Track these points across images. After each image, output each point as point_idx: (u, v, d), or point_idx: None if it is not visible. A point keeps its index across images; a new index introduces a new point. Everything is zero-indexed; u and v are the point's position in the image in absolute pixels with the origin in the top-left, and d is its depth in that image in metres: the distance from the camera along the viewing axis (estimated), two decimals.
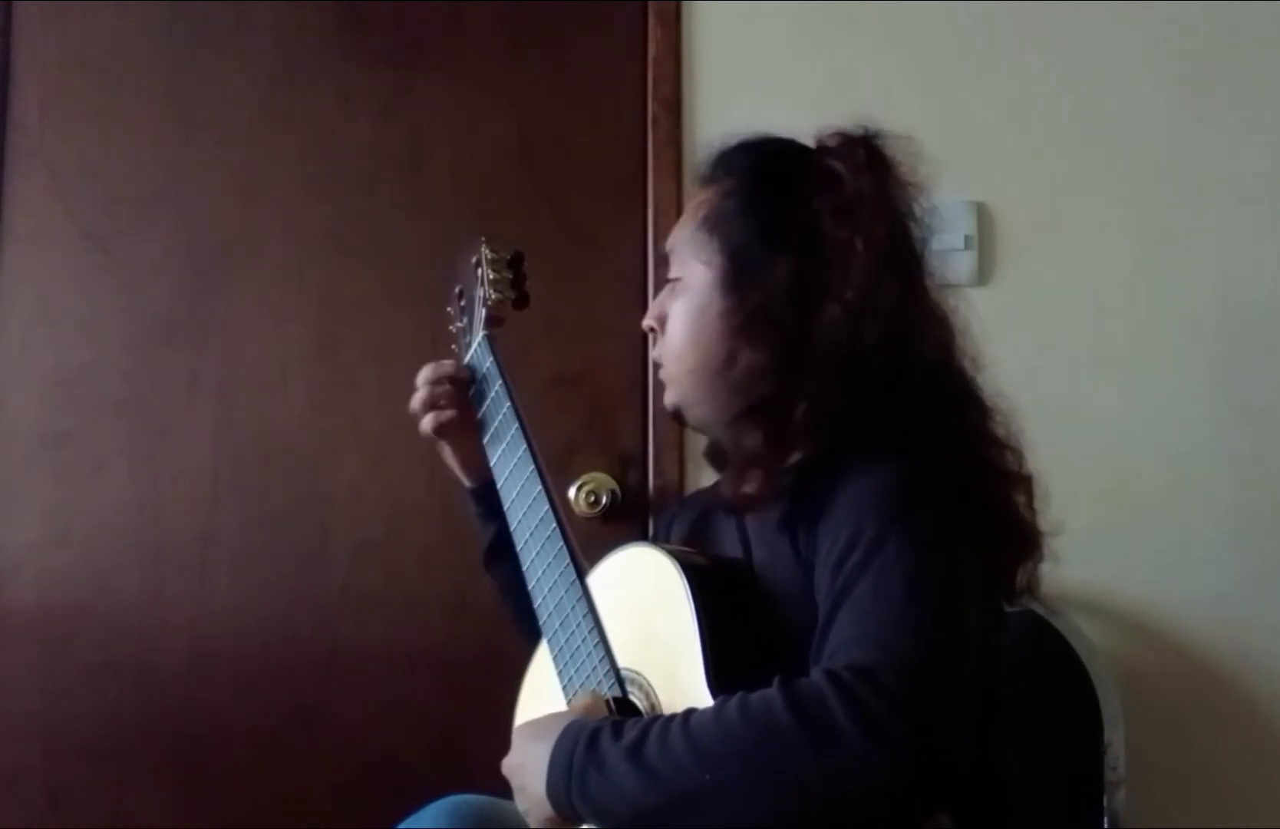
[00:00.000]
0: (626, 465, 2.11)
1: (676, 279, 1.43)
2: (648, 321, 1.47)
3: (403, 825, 1.41)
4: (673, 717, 1.17)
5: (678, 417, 1.45)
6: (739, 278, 1.35)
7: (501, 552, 1.55)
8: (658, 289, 2.06)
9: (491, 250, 1.58)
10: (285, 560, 2.11)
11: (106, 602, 2.10)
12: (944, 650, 1.14)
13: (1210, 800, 1.98)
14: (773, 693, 1.12)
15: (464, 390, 1.56)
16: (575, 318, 2.11)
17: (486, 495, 1.56)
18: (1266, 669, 2.01)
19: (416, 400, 1.58)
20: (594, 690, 1.32)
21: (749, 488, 1.33)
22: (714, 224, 1.39)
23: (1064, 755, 1.85)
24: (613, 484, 2.10)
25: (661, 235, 2.09)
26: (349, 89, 2.19)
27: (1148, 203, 2.10)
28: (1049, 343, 2.08)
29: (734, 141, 1.45)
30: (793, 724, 1.09)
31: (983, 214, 2.10)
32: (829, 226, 1.33)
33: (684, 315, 1.40)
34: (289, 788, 2.06)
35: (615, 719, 1.22)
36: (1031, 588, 1.39)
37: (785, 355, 1.31)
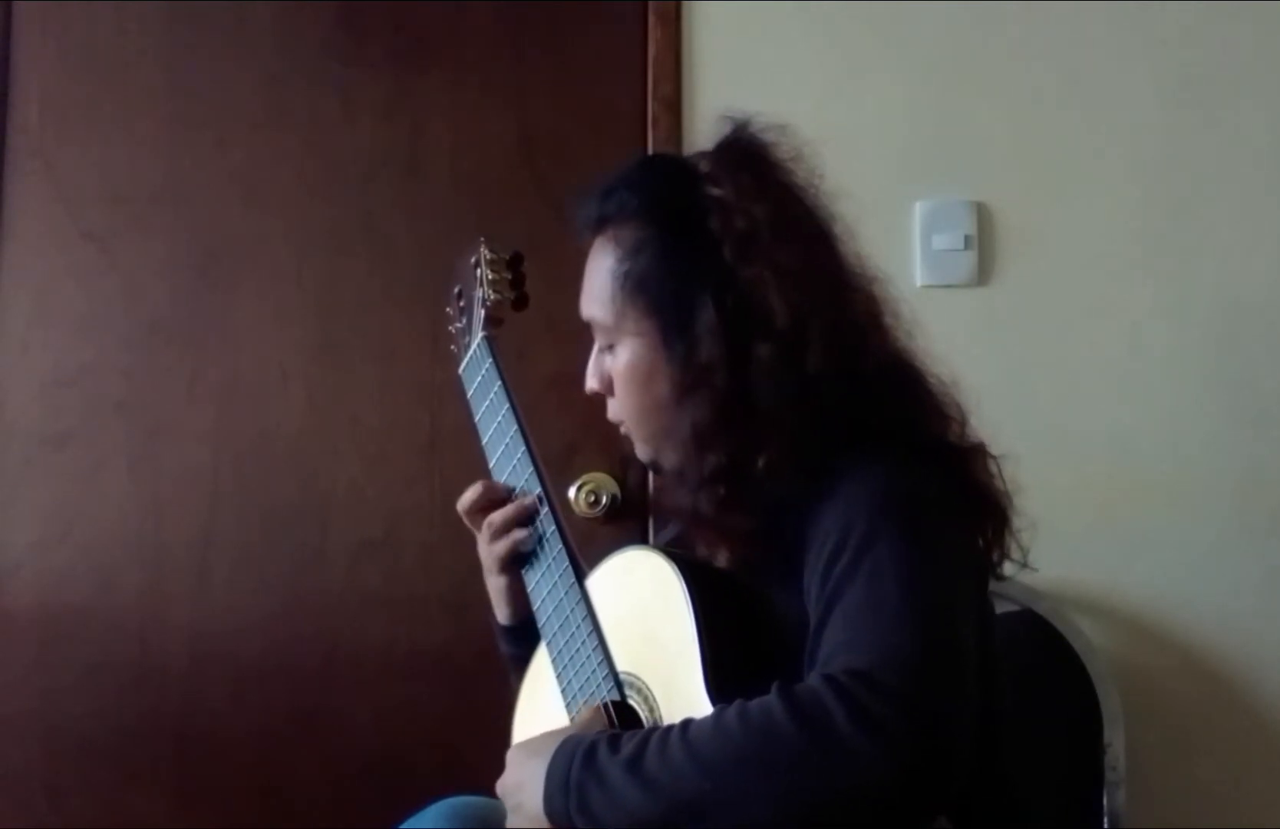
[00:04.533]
0: (626, 466, 2.11)
1: (608, 345, 1.39)
2: (592, 386, 1.42)
3: (403, 826, 1.40)
4: (670, 727, 1.15)
5: (655, 468, 1.42)
6: (675, 338, 1.31)
7: None
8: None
9: (491, 251, 1.56)
10: (285, 560, 2.11)
11: (106, 602, 2.10)
12: (941, 646, 1.13)
13: (1210, 800, 1.98)
14: (772, 699, 1.11)
15: (531, 522, 1.44)
16: (575, 318, 2.09)
17: (522, 635, 1.48)
18: (1266, 669, 2.01)
19: (502, 545, 1.45)
20: (593, 706, 1.30)
21: (720, 560, 1.32)
22: (632, 288, 1.34)
23: (1064, 755, 1.85)
24: (613, 484, 2.10)
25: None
26: (349, 89, 2.19)
27: (1147, 202, 2.10)
28: (1049, 343, 2.08)
29: (613, 180, 1.39)
30: (793, 729, 1.08)
31: (983, 214, 2.10)
32: (735, 264, 1.29)
33: (631, 388, 1.36)
34: (289, 788, 2.06)
35: (612, 732, 1.21)
36: (1009, 556, 1.35)
37: (729, 411, 1.27)
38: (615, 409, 1.41)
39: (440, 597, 2.09)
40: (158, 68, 2.20)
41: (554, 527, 1.40)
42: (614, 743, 1.17)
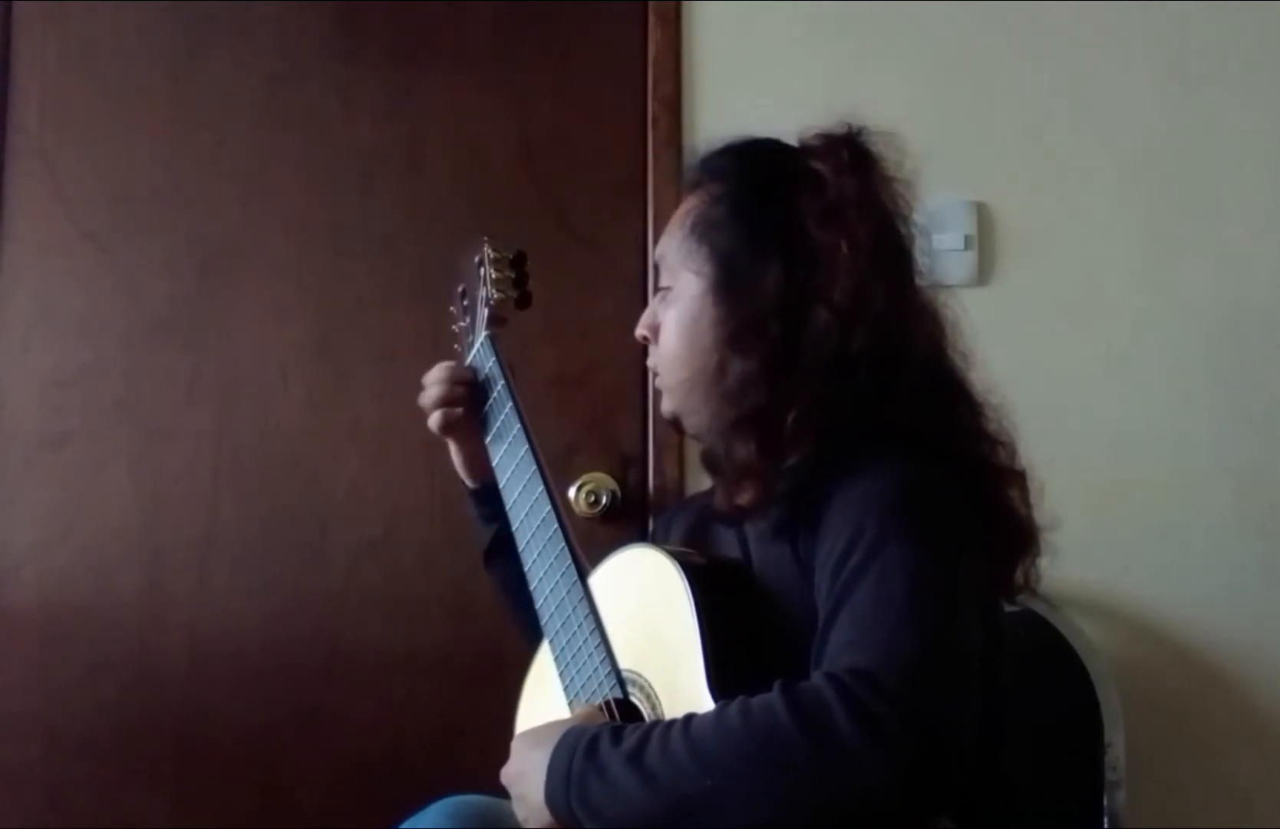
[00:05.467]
0: (626, 465, 2.11)
1: (667, 288, 1.43)
2: (641, 330, 1.47)
3: (403, 826, 1.40)
4: (673, 722, 1.16)
5: (676, 425, 1.45)
6: (729, 286, 1.35)
7: (501, 550, 1.55)
8: (657, 288, 2.08)
9: (494, 249, 1.58)
10: (285, 560, 2.11)
11: (106, 602, 2.10)
12: (945, 651, 1.14)
13: (1210, 800, 1.98)
14: (774, 696, 1.11)
15: (474, 391, 1.56)
16: (575, 318, 2.11)
17: (488, 495, 1.56)
18: (1266, 669, 2.01)
19: (429, 397, 1.57)
20: (595, 705, 1.31)
21: (743, 499, 1.34)
22: (702, 232, 1.39)
23: (1064, 755, 1.85)
24: (613, 484, 2.10)
25: (662, 235, 2.09)
26: (349, 89, 2.19)
27: (1147, 202, 2.10)
28: (1049, 343, 2.08)
29: (719, 145, 1.44)
30: (794, 727, 1.09)
31: (983, 214, 2.10)
32: (814, 230, 1.32)
33: (677, 325, 1.40)
34: (289, 788, 2.06)
35: (614, 724, 1.22)
36: (1030, 583, 1.38)
37: (774, 363, 1.30)
38: (654, 355, 1.45)
39: (440, 597, 2.09)
40: (158, 68, 2.20)
41: (557, 526, 1.41)
42: (616, 735, 1.18)
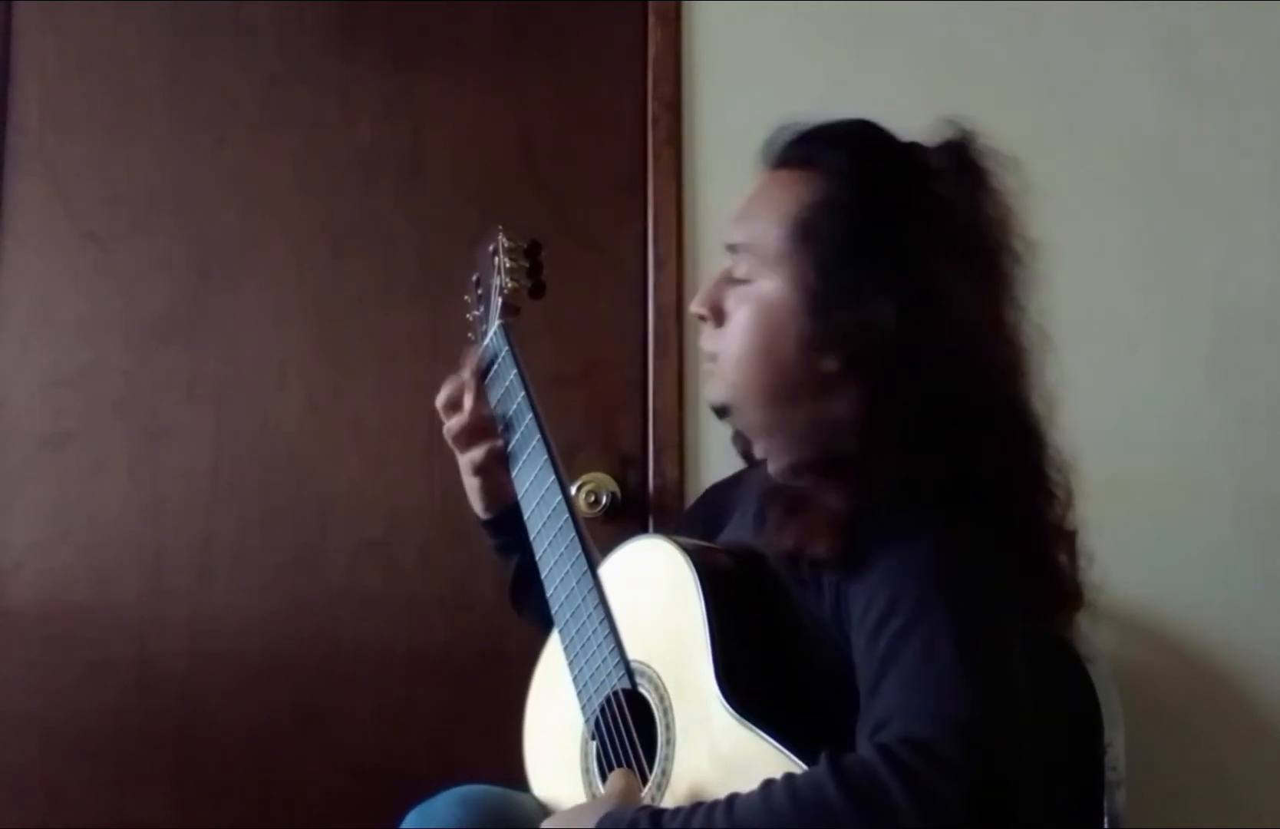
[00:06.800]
0: (626, 465, 2.11)
1: (744, 279, 1.32)
2: (699, 309, 1.35)
3: (412, 814, 1.39)
4: (715, 804, 1.11)
5: (723, 412, 1.36)
6: (826, 309, 1.24)
7: (527, 585, 1.51)
8: (657, 288, 2.08)
9: (509, 239, 1.59)
10: (285, 560, 2.11)
11: (106, 602, 2.10)
12: (1000, 717, 1.08)
13: (1210, 800, 1.98)
14: (822, 772, 1.05)
15: (488, 421, 1.54)
16: (575, 318, 2.11)
17: (502, 526, 1.54)
18: (1266, 669, 2.01)
19: (451, 427, 1.56)
20: (626, 772, 1.26)
21: (819, 549, 1.20)
22: (806, 234, 1.26)
23: (1064, 755, 1.85)
24: (613, 485, 2.10)
25: (662, 235, 2.10)
26: (349, 89, 2.19)
27: (1146, 202, 2.10)
28: (1049, 343, 2.07)
29: (833, 127, 1.33)
30: (846, 805, 1.03)
31: None
32: (931, 264, 1.22)
33: (753, 327, 1.29)
34: (289, 788, 2.06)
35: (654, 809, 1.17)
36: (1070, 636, 1.33)
37: (878, 410, 1.20)
38: (717, 339, 1.34)
39: (440, 597, 2.09)
40: (158, 68, 2.20)
41: (568, 516, 1.41)
42: (656, 822, 1.13)
